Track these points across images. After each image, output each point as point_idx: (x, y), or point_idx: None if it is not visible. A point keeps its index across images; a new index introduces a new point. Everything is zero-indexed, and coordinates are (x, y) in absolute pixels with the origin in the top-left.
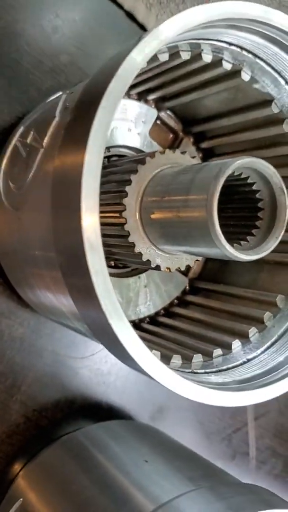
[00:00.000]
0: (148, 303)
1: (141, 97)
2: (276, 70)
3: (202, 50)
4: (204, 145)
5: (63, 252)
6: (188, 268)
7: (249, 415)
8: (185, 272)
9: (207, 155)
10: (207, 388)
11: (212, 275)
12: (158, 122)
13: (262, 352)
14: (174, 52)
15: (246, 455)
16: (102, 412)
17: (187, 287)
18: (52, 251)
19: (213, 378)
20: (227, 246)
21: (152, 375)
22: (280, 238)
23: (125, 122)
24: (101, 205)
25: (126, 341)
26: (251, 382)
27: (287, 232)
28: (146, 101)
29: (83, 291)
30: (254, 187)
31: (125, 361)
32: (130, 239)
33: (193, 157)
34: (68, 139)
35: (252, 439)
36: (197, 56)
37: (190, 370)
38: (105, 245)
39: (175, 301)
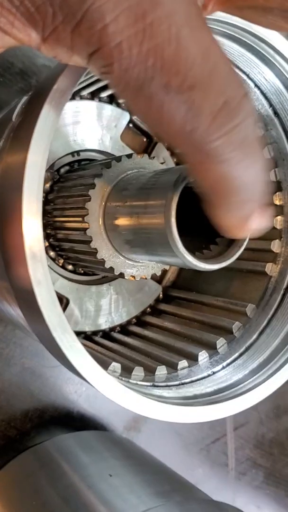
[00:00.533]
0: (119, 311)
1: (113, 100)
2: (244, 72)
3: None
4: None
5: (8, 261)
6: (162, 275)
7: (228, 426)
8: (159, 280)
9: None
10: (154, 402)
11: (186, 283)
12: (131, 125)
13: (228, 364)
14: None
15: (225, 466)
16: (73, 422)
17: (161, 295)
18: (2, 260)
19: (173, 392)
20: (186, 254)
21: (101, 391)
22: (241, 250)
23: (97, 125)
24: (65, 209)
25: (73, 356)
26: (214, 396)
27: (257, 240)
28: (118, 105)
29: (28, 302)
30: None
31: (76, 374)
32: (92, 244)
33: (162, 163)
34: (14, 141)
35: (231, 450)
36: None
37: (151, 384)
38: (72, 251)
39: (148, 309)
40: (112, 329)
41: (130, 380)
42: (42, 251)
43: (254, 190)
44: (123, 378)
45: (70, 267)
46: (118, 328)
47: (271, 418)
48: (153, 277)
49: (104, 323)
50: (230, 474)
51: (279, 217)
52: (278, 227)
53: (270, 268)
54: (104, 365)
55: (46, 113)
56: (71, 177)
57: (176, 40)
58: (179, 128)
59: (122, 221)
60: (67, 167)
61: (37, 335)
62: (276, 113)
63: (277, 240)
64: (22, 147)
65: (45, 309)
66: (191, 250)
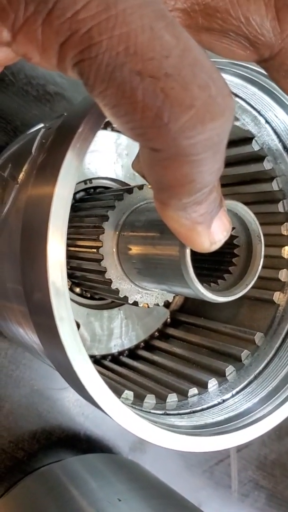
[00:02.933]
0: (128, 336)
1: None
2: (255, 109)
3: None
4: None
5: (30, 291)
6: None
7: (232, 447)
8: (167, 304)
9: None
10: (173, 433)
11: (194, 308)
12: None
13: (238, 393)
14: None
15: (229, 488)
16: (80, 444)
17: (169, 319)
18: (21, 285)
19: (185, 421)
20: (200, 287)
21: (117, 421)
22: (251, 285)
23: (109, 154)
24: (79, 239)
25: (91, 386)
26: (224, 425)
27: (265, 268)
28: None
29: (49, 332)
30: (232, 233)
31: (91, 402)
32: (107, 275)
33: None
34: (39, 179)
35: (234, 471)
36: None
37: (163, 412)
38: (84, 278)
39: (156, 333)
40: (121, 353)
41: (142, 408)
42: (66, 287)
43: (214, 195)
44: (136, 406)
45: (79, 291)
46: (126, 352)
47: (273, 440)
48: (165, 303)
49: (113, 347)
50: (233, 495)
51: (287, 247)
52: (285, 256)
53: (278, 297)
54: (117, 393)
55: (70, 155)
56: (83, 207)
57: (150, 29)
58: (153, 122)
59: (135, 252)
60: (81, 193)
61: (54, 362)
62: (285, 147)
63: (284, 269)
64: (47, 190)
65: (66, 342)
66: (202, 281)
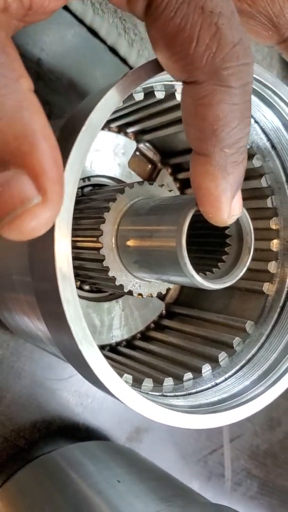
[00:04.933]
0: (126, 327)
1: (121, 130)
2: None
3: (176, 90)
4: (181, 176)
5: (38, 279)
6: (165, 293)
7: (225, 437)
8: (162, 297)
9: (185, 185)
10: (172, 411)
11: (187, 300)
12: (138, 153)
13: (230, 376)
14: (149, 92)
15: (222, 477)
16: (79, 433)
17: (164, 312)
18: (28, 276)
19: (181, 401)
20: (195, 275)
21: (121, 399)
22: (242, 273)
23: (106, 153)
24: (80, 229)
25: (96, 367)
26: (218, 405)
27: (255, 261)
28: (126, 134)
29: (56, 317)
30: None
31: (95, 384)
32: (105, 263)
33: (170, 191)
34: None
35: (227, 461)
36: (171, 95)
37: (160, 394)
38: (82, 268)
39: (152, 325)
40: (119, 343)
41: (141, 390)
42: (71, 272)
43: (244, 163)
44: (135, 389)
45: (79, 284)
46: (124, 342)
47: (265, 430)
48: (158, 295)
49: (111, 338)
50: (226, 484)
51: (275, 240)
52: (274, 249)
53: (267, 288)
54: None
55: (77, 149)
56: (84, 201)
57: None
58: (204, 50)
59: (133, 243)
60: (79, 191)
61: (60, 348)
62: (273, 146)
63: (273, 261)
64: None
65: (73, 324)
66: (198, 269)
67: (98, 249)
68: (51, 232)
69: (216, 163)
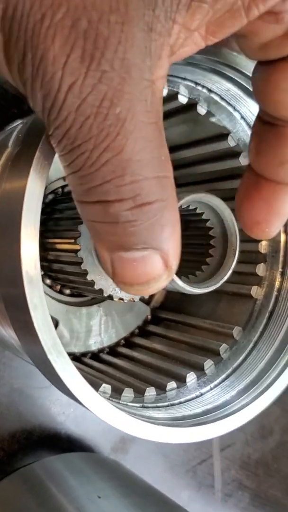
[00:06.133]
0: (108, 333)
1: None
2: (230, 105)
3: (178, 91)
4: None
5: (5, 284)
6: (150, 297)
7: (215, 447)
8: (147, 302)
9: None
10: (150, 424)
11: (174, 305)
12: None
13: (216, 386)
14: None
15: (212, 488)
16: (61, 443)
17: (149, 317)
18: None
19: (163, 413)
20: (176, 279)
21: (93, 411)
22: (226, 277)
23: None
24: (59, 230)
25: (66, 377)
26: (202, 417)
27: (243, 263)
28: None
29: (24, 325)
30: (208, 224)
31: (68, 395)
32: (83, 266)
33: None
34: (13, 169)
35: (217, 471)
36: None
37: (141, 405)
38: (62, 272)
39: (136, 330)
40: (101, 350)
41: (120, 402)
42: (39, 276)
43: None
44: (113, 400)
45: (59, 288)
46: (106, 349)
47: (257, 439)
48: (142, 299)
49: (93, 344)
50: (216, 495)
51: (263, 242)
52: (262, 251)
53: (256, 291)
54: (95, 387)
55: (43, 148)
56: (63, 200)
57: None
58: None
59: None
60: (59, 190)
61: (30, 356)
62: None
63: (262, 263)
64: (21, 176)
65: (40, 332)
66: (180, 273)
67: (76, 251)
68: (17, 233)
69: None
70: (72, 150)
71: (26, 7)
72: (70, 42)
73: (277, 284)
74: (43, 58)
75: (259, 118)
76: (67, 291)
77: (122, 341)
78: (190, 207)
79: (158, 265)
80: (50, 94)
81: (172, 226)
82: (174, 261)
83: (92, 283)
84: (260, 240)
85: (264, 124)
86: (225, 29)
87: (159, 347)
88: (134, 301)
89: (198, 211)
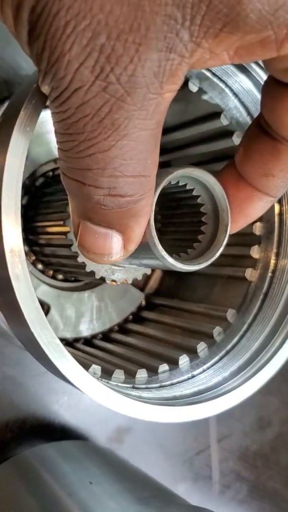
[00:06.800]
0: (101, 318)
1: None
2: (222, 81)
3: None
4: (161, 159)
5: None
6: (145, 283)
7: (212, 437)
8: (142, 288)
9: (164, 168)
10: (132, 401)
11: (168, 290)
12: None
13: (209, 368)
14: None
15: (209, 479)
16: (55, 432)
17: (143, 303)
18: None
19: (153, 393)
20: (167, 257)
21: (78, 386)
22: (217, 255)
23: None
24: (49, 213)
25: (50, 350)
26: (193, 397)
27: (237, 246)
28: None
29: (8, 301)
30: (198, 200)
31: (54, 373)
32: (73, 248)
33: None
34: None
35: (215, 462)
36: None
37: (131, 386)
38: (55, 256)
39: (130, 317)
40: (94, 336)
41: (110, 382)
42: (21, 247)
43: None
44: (103, 380)
45: (52, 273)
46: (100, 335)
47: (255, 430)
48: (136, 285)
49: (85, 330)
50: (214, 487)
51: (258, 223)
52: (257, 233)
53: (250, 274)
54: (85, 367)
55: (20, 121)
56: (52, 183)
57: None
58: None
59: None
60: (50, 174)
61: (16, 333)
62: None
63: (256, 245)
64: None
65: (23, 304)
66: (173, 251)
67: (65, 233)
68: None
69: None
70: (64, 134)
71: (53, 11)
72: (86, 52)
73: (271, 265)
74: (58, 60)
75: (256, 121)
76: (60, 276)
77: (116, 327)
78: (180, 183)
79: (116, 245)
80: (57, 89)
81: (140, 217)
82: (132, 246)
83: (83, 265)
84: (255, 222)
85: (260, 129)
86: (253, 56)
87: (153, 332)
88: (127, 282)
89: (188, 187)
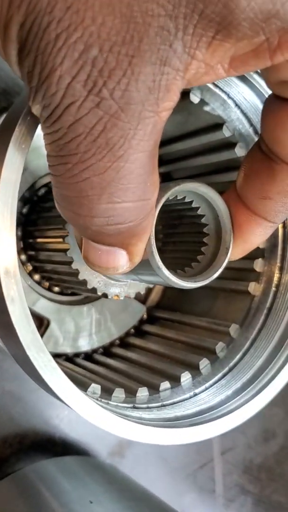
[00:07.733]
0: (101, 332)
1: None
2: (224, 92)
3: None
4: (161, 169)
5: None
6: (146, 296)
7: (215, 450)
8: (143, 300)
9: (165, 179)
10: (132, 423)
11: (170, 303)
12: None
13: (211, 385)
14: None
15: (213, 492)
16: (56, 448)
17: (145, 316)
18: None
19: (154, 414)
20: (167, 273)
21: (75, 408)
22: (224, 264)
23: None
24: (46, 230)
25: (46, 374)
26: (195, 418)
27: (240, 259)
28: None
29: (3, 321)
30: (203, 220)
31: (52, 394)
32: (74, 266)
33: None
34: None
35: (218, 475)
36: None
37: (131, 405)
38: (55, 272)
39: (132, 330)
40: (95, 350)
41: (110, 402)
42: (16, 268)
43: None
44: (103, 400)
45: (51, 287)
46: (100, 349)
47: (259, 442)
48: (138, 298)
49: (85, 345)
50: (218, 500)
51: None
52: (260, 246)
53: (253, 288)
54: (84, 387)
55: (15, 139)
56: (51, 198)
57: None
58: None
59: None
60: (50, 185)
61: (13, 354)
62: (256, 132)
63: (260, 259)
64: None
65: (18, 327)
66: (174, 268)
67: (65, 250)
68: None
69: None
70: (56, 157)
71: (43, 24)
72: (78, 66)
73: (275, 279)
74: (49, 75)
75: (258, 144)
76: (60, 290)
77: (117, 341)
78: (186, 200)
79: (121, 259)
80: (49, 107)
81: (142, 235)
82: (137, 258)
83: (84, 282)
84: None
85: (260, 152)
86: (248, 66)
87: (154, 347)
88: (130, 297)
89: (194, 205)
